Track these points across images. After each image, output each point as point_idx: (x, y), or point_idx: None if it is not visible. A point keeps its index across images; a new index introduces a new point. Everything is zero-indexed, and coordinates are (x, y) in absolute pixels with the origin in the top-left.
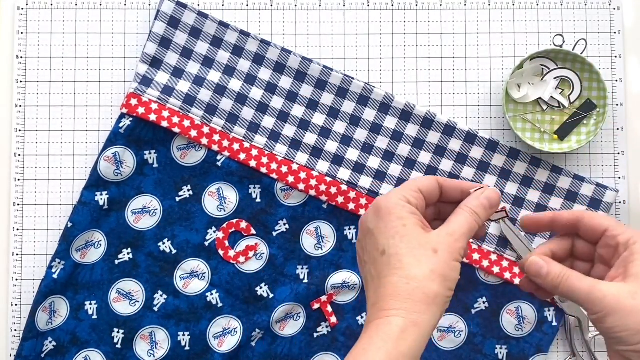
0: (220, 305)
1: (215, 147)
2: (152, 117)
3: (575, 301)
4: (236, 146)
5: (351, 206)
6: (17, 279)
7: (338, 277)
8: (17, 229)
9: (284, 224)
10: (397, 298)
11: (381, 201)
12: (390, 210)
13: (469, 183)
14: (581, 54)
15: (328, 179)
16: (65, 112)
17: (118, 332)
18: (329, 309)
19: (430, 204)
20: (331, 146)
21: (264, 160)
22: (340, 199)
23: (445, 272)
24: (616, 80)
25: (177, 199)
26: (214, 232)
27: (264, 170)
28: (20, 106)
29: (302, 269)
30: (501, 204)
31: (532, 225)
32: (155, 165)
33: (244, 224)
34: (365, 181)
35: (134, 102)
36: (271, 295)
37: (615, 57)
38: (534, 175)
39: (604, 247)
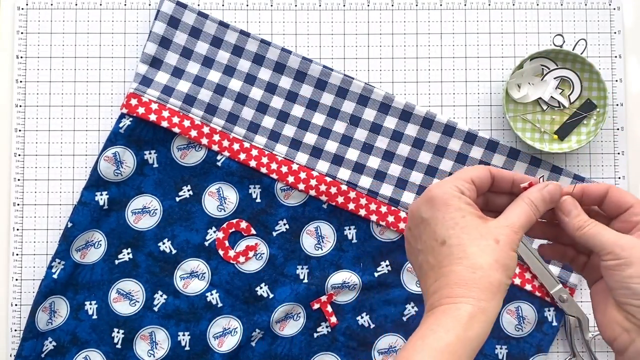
0: (220, 305)
1: (215, 147)
2: (152, 117)
3: (596, 246)
4: (236, 146)
5: (351, 206)
6: (17, 279)
7: (338, 277)
8: (17, 229)
9: (284, 224)
10: (463, 286)
11: (435, 191)
12: (446, 201)
13: (521, 175)
14: (581, 54)
15: (328, 179)
16: (65, 112)
17: (118, 332)
18: (329, 309)
19: (480, 194)
20: (331, 146)
21: (264, 160)
22: (340, 199)
23: (507, 261)
24: (616, 80)
25: (177, 199)
26: (214, 232)
27: (264, 170)
28: (20, 106)
29: (302, 269)
30: None
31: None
32: (155, 165)
33: (244, 224)
34: (365, 181)
35: (134, 102)
36: (271, 295)
37: (615, 57)
38: (534, 176)
39: (623, 222)
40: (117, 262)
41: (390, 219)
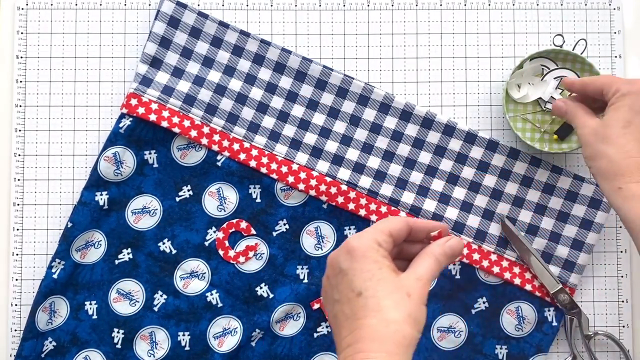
0: (220, 305)
1: (215, 147)
2: (152, 117)
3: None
4: (236, 146)
5: (351, 206)
6: (17, 279)
7: None
8: (17, 229)
9: (284, 224)
10: (377, 340)
11: (355, 243)
12: (365, 253)
13: (435, 223)
14: (581, 54)
15: (328, 179)
16: (65, 112)
17: (118, 332)
18: None
19: (396, 245)
20: (331, 146)
21: (264, 160)
22: (340, 199)
23: (418, 315)
24: None
25: (177, 199)
26: (214, 232)
27: (264, 170)
28: (20, 106)
29: (302, 269)
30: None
31: (567, 86)
32: (155, 165)
33: (244, 224)
34: (365, 181)
35: (134, 102)
36: (271, 295)
37: (615, 57)
38: (534, 175)
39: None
40: (117, 262)
41: None
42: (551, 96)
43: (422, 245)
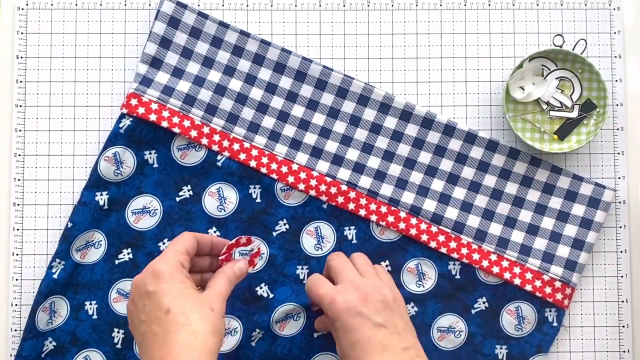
0: None
1: (215, 147)
2: (152, 117)
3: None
4: (236, 146)
5: (351, 206)
6: (17, 279)
7: None
8: (17, 229)
9: (284, 224)
10: (187, 351)
11: (160, 266)
12: (171, 274)
13: (218, 240)
14: (581, 54)
15: (328, 179)
16: (65, 112)
17: (118, 332)
18: None
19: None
20: (331, 146)
21: (264, 160)
22: (340, 199)
23: (220, 326)
24: (616, 80)
25: (177, 199)
26: (214, 232)
27: (264, 170)
28: (20, 106)
29: (302, 269)
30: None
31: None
32: (156, 165)
33: (243, 239)
34: (365, 181)
35: (134, 102)
36: (271, 295)
37: (615, 57)
38: (534, 175)
39: None
40: (117, 262)
41: (390, 219)
42: (552, 96)
43: (208, 258)
